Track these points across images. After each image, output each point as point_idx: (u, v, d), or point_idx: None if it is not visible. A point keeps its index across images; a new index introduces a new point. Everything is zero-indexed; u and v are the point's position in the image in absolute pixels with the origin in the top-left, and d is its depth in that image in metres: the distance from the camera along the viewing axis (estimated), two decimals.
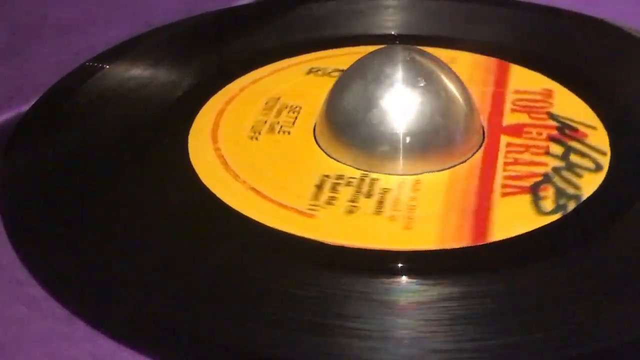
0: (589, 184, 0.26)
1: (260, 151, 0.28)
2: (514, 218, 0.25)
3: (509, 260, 0.23)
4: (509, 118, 0.29)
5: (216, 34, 0.36)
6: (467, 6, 0.37)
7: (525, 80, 0.32)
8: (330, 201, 0.25)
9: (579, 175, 0.26)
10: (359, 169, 0.27)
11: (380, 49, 0.28)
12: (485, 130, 0.28)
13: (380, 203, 0.25)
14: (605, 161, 0.27)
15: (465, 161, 0.27)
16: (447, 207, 0.25)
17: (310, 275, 0.22)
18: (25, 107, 0.30)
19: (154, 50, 0.34)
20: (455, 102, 0.27)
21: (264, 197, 0.25)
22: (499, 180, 0.26)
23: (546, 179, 0.26)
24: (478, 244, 0.24)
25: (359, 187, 0.26)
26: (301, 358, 0.20)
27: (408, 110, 0.26)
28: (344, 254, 0.23)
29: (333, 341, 0.21)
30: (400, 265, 0.23)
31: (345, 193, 0.25)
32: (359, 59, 0.28)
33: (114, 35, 0.35)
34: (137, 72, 0.32)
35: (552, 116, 0.29)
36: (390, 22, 0.36)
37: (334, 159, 0.27)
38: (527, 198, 0.25)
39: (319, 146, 0.28)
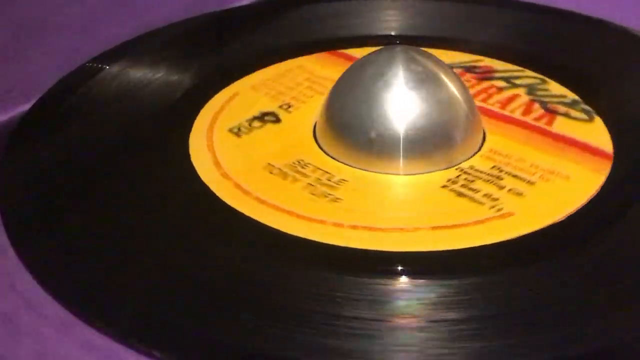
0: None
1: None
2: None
3: (509, 260, 0.23)
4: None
5: (216, 34, 0.36)
6: (467, 6, 0.37)
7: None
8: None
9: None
10: (358, 169, 0.27)
11: (381, 49, 0.28)
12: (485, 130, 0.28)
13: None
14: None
15: (465, 161, 0.27)
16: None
17: (310, 275, 0.22)
18: (25, 107, 0.30)
19: (154, 50, 0.34)
20: (455, 102, 0.27)
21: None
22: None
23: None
24: (478, 244, 0.24)
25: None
26: (301, 358, 0.20)
27: (408, 111, 0.26)
28: (344, 254, 0.23)
29: (333, 341, 0.21)
30: (399, 266, 0.23)
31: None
32: (359, 60, 0.28)
33: (114, 35, 0.35)
34: (137, 72, 0.32)
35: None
36: (390, 22, 0.36)
37: (334, 159, 0.27)
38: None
39: (319, 146, 0.28)
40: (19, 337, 0.21)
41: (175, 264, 0.23)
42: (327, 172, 0.26)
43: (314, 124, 0.29)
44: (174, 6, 0.38)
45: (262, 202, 0.25)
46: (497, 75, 0.32)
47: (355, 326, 0.21)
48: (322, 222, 0.24)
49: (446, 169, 0.27)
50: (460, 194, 0.25)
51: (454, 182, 0.26)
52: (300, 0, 0.38)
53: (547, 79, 0.32)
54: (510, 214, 0.25)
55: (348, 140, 0.27)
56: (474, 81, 0.31)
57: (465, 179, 0.26)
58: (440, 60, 0.28)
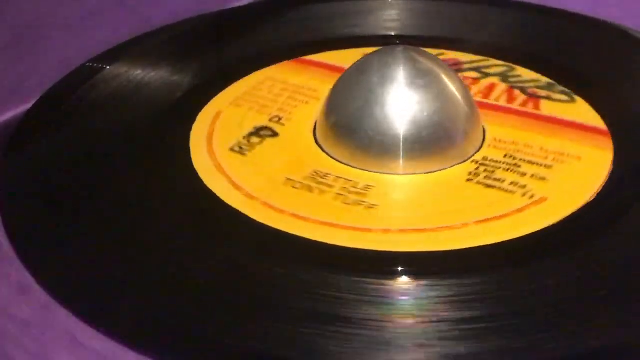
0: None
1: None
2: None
3: (509, 260, 0.23)
4: None
5: (216, 34, 0.36)
6: (467, 6, 0.37)
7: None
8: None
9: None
10: (358, 169, 0.27)
11: (380, 49, 0.28)
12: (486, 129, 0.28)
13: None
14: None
15: (465, 161, 0.27)
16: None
17: (310, 275, 0.22)
18: (25, 107, 0.30)
19: (154, 50, 0.34)
20: (455, 102, 0.27)
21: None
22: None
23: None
24: (478, 244, 0.24)
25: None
26: (302, 358, 0.20)
27: (408, 111, 0.26)
28: (344, 255, 0.23)
29: (334, 341, 0.21)
30: (400, 266, 0.23)
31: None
32: (359, 60, 0.28)
33: (114, 35, 0.35)
34: (137, 72, 0.32)
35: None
36: (390, 22, 0.36)
37: (334, 159, 0.27)
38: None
39: (319, 146, 0.28)
40: (18, 337, 0.21)
41: (175, 263, 0.23)
42: (349, 180, 0.26)
43: (312, 131, 0.29)
44: (174, 6, 0.38)
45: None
46: (465, 66, 0.32)
47: (356, 326, 0.21)
48: (368, 230, 0.24)
49: (460, 163, 0.27)
50: (488, 186, 0.26)
51: (476, 175, 0.26)
52: (300, 0, 0.38)
53: (513, 65, 0.32)
54: (543, 199, 0.25)
55: (354, 143, 0.27)
56: None
57: (485, 170, 0.26)
58: (441, 60, 0.28)
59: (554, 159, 0.27)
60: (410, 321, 0.21)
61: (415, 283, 0.22)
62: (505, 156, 0.27)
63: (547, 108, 0.29)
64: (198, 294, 0.22)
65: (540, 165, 0.26)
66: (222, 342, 0.21)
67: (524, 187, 0.25)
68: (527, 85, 0.31)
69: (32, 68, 0.34)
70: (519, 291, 0.22)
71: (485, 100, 0.30)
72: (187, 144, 0.28)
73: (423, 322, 0.21)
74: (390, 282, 0.22)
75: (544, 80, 0.31)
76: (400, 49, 0.28)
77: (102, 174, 0.27)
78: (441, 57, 0.32)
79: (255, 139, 0.28)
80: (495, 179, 0.26)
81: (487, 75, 0.31)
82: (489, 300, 0.22)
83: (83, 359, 0.21)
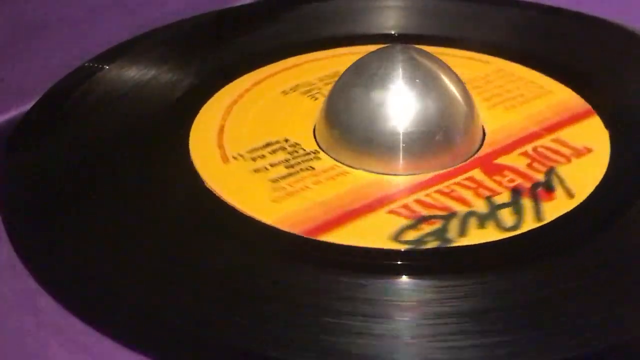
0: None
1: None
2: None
3: (509, 260, 0.23)
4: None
5: (216, 34, 0.36)
6: (467, 6, 0.37)
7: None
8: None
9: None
10: (358, 169, 0.27)
11: (380, 49, 0.28)
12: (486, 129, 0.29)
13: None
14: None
15: (465, 161, 0.27)
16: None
17: (310, 275, 0.22)
18: (25, 107, 0.30)
19: (154, 50, 0.34)
20: (455, 102, 0.27)
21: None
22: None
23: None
24: (478, 243, 0.24)
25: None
26: (302, 358, 0.20)
27: (408, 110, 0.26)
28: (344, 254, 0.23)
29: (334, 341, 0.21)
30: (400, 265, 0.23)
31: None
32: (359, 59, 0.28)
33: (114, 35, 0.35)
34: (137, 72, 0.32)
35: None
36: (390, 22, 0.36)
37: (334, 159, 0.27)
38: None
39: (319, 146, 0.28)
40: (18, 337, 0.21)
41: (175, 263, 0.23)
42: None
43: (314, 123, 0.29)
44: (174, 6, 0.38)
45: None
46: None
47: (356, 326, 0.21)
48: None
49: (459, 164, 0.27)
50: None
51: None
52: (300, 0, 0.38)
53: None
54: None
55: (348, 140, 0.27)
56: None
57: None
58: (441, 60, 0.28)
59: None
60: (402, 318, 0.21)
61: (410, 281, 0.22)
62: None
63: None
64: (191, 291, 0.22)
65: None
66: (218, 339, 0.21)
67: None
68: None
69: (32, 68, 0.34)
70: (508, 291, 0.22)
71: None
72: (187, 144, 0.28)
73: (414, 320, 0.21)
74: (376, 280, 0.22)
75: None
76: (399, 48, 0.28)
77: (101, 173, 0.27)
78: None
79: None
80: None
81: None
82: (474, 300, 0.22)
83: (82, 359, 0.21)
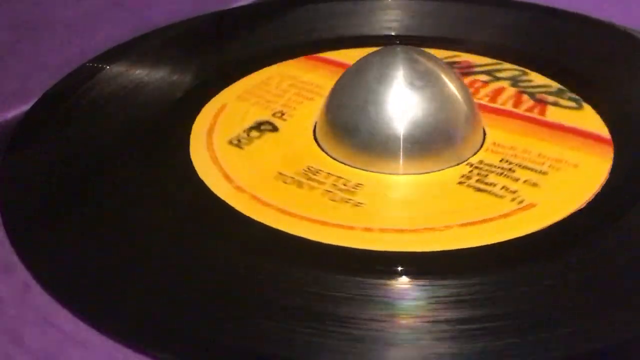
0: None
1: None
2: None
3: (510, 260, 0.23)
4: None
5: (216, 34, 0.36)
6: (467, 6, 0.37)
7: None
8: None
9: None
10: (358, 169, 0.27)
11: (380, 49, 0.28)
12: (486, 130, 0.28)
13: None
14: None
15: (465, 161, 0.27)
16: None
17: (310, 275, 0.22)
18: (25, 107, 0.30)
19: (154, 50, 0.34)
20: (455, 102, 0.27)
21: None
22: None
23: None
24: (479, 244, 0.24)
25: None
26: (301, 358, 0.20)
27: (408, 110, 0.26)
28: (345, 255, 0.23)
29: (334, 341, 0.21)
30: (400, 266, 0.23)
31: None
32: (359, 60, 0.28)
33: (114, 35, 0.35)
34: (137, 72, 0.32)
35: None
36: (390, 22, 0.36)
37: (334, 159, 0.27)
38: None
39: (319, 146, 0.28)
40: (18, 337, 0.21)
41: (175, 263, 0.23)
42: (340, 177, 0.26)
43: (312, 128, 0.29)
44: (174, 6, 0.38)
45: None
46: (477, 69, 0.32)
47: (356, 326, 0.21)
48: (351, 227, 0.24)
49: (455, 165, 0.27)
50: (478, 189, 0.26)
51: (469, 178, 0.26)
52: (300, 0, 0.38)
53: (527, 70, 0.32)
54: (532, 205, 0.25)
55: (353, 143, 0.27)
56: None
57: (478, 173, 0.26)
58: (441, 60, 0.28)
59: (550, 166, 0.27)
60: (397, 321, 0.21)
61: (394, 283, 0.22)
62: (501, 160, 0.27)
63: (552, 114, 0.29)
64: (191, 291, 0.22)
65: (535, 171, 0.26)
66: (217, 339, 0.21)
67: (514, 192, 0.25)
68: (536, 90, 0.31)
69: (32, 68, 0.34)
70: (496, 294, 0.22)
71: (490, 104, 0.30)
72: (187, 144, 0.28)
73: (403, 322, 0.21)
74: (366, 281, 0.22)
75: (555, 86, 0.31)
76: (400, 49, 0.28)
77: (101, 173, 0.27)
78: (454, 59, 0.32)
79: (255, 133, 0.28)
80: (486, 183, 0.26)
81: (497, 79, 0.31)
82: (469, 302, 0.22)
83: (82, 358, 0.21)
